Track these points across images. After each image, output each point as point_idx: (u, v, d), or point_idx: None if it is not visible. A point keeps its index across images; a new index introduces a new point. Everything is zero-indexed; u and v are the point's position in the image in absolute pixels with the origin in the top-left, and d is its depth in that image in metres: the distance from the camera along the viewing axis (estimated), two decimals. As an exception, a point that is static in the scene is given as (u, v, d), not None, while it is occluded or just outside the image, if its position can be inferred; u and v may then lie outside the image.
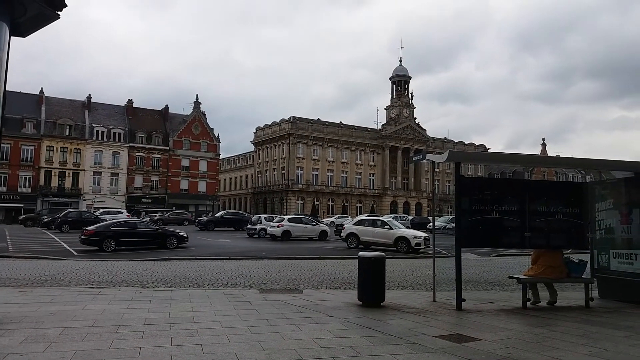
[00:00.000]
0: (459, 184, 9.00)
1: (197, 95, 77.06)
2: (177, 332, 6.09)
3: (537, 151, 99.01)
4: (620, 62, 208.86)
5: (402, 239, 22.76)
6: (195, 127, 74.44)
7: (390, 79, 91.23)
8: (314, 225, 32.06)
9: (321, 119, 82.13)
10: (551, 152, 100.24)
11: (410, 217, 54.80)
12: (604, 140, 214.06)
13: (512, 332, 6.51)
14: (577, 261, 8.96)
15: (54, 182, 64.62)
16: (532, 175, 79.67)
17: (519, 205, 8.90)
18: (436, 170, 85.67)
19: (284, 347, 5.46)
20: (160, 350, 5.25)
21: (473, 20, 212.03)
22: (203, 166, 74.52)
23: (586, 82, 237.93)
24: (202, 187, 74.14)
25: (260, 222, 33.61)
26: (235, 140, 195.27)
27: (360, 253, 8.77)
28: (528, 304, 8.55)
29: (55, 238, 27.04)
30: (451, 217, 39.24)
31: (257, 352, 5.24)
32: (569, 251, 10.76)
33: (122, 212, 47.55)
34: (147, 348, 5.33)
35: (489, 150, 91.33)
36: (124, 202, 68.18)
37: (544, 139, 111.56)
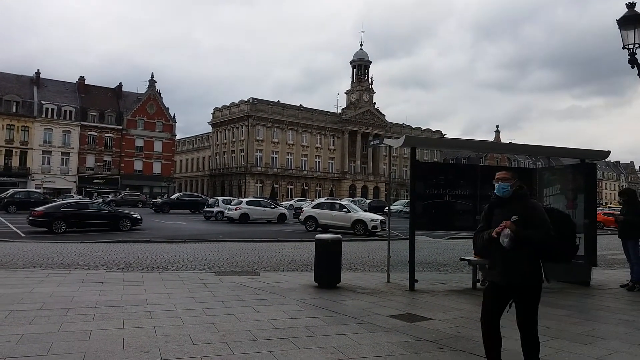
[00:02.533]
0: (414, 169, 9.16)
1: (152, 73, 75.38)
2: (129, 315, 5.98)
3: (491, 138, 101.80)
4: (573, 53, 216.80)
5: (360, 222, 23.07)
6: (150, 106, 72.45)
7: (350, 63, 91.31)
8: (272, 208, 32.00)
9: (282, 102, 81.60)
10: (505, 139, 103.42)
11: (368, 201, 55.51)
12: (555, 129, 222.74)
13: (462, 312, 6.74)
14: (524, 244, 9.30)
15: (0, 161, 61.72)
16: (486, 161, 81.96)
17: (471, 189, 9.16)
18: (394, 155, 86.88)
19: (239, 328, 5.46)
20: (112, 333, 5.16)
21: (436, 8, 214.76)
22: (158, 147, 72.80)
23: (541, 71, 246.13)
24: (157, 168, 72.51)
25: (218, 205, 33.25)
26: (193, 122, 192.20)
27: (317, 236, 8.83)
28: (478, 284, 8.85)
29: (1, 219, 25.91)
30: (407, 201, 39.94)
31: (211, 333, 5.22)
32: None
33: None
34: (98, 331, 5.22)
35: (444, 136, 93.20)
36: (75, 182, 65.98)
37: (497, 126, 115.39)
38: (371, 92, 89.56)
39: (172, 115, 75.22)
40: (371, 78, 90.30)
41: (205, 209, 34.28)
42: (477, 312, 6.86)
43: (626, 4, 9.37)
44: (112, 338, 4.99)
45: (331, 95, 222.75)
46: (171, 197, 45.29)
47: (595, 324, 6.22)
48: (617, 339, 5.40)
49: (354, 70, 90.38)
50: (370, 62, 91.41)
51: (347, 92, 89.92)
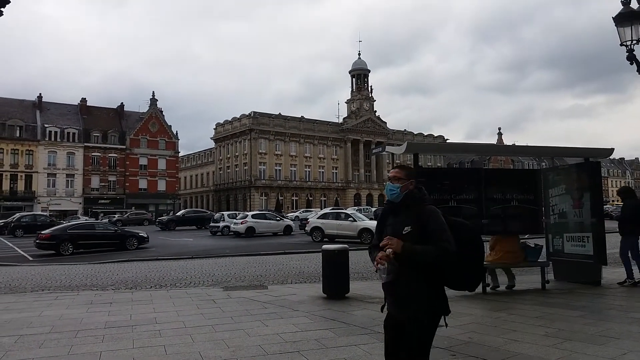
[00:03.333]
0: (417, 175, 9.12)
1: (153, 92, 75.66)
2: (139, 335, 5.96)
3: (494, 141, 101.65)
4: (572, 52, 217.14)
5: (366, 230, 22.97)
6: (152, 124, 72.80)
7: (349, 72, 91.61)
8: (278, 220, 31.99)
9: (282, 114, 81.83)
10: (508, 141, 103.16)
11: (373, 209, 55.35)
12: (558, 128, 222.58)
13: (473, 317, 6.68)
14: (533, 246, 9.26)
15: (6, 185, 62.13)
16: (489, 164, 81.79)
17: (476, 193, 9.12)
18: (397, 162, 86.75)
19: (249, 343, 5.43)
20: (122, 354, 5.14)
21: (433, 13, 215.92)
22: (162, 164, 73.03)
23: (541, 72, 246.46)
24: (161, 185, 72.69)
25: (223, 220, 33.26)
26: (195, 138, 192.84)
27: (324, 246, 8.80)
28: (488, 289, 8.79)
29: (9, 243, 25.99)
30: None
31: (221, 350, 5.19)
32: (525, 236, 11.11)
33: None
34: (108, 352, 5.20)
35: (447, 141, 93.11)
36: (80, 203, 66.20)
37: (499, 129, 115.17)
38: (371, 100, 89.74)
39: (175, 133, 75.54)
40: (371, 87, 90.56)
41: (211, 224, 34.30)
42: (488, 317, 6.82)
43: (621, 1, 9.37)
44: (123, 358, 4.97)
45: (332, 105, 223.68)
46: (177, 214, 45.40)
47: (608, 323, 6.14)
48: (631, 338, 5.33)
49: (353, 79, 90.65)
50: (369, 71, 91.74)
51: (348, 102, 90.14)
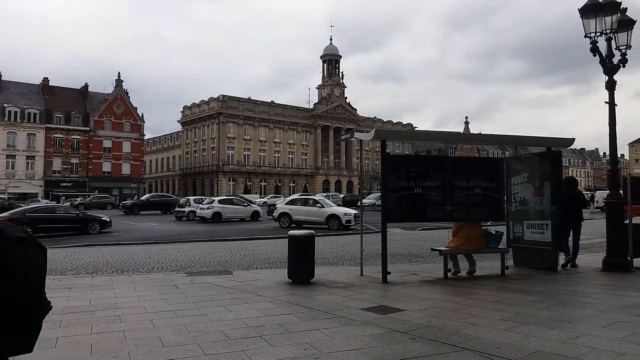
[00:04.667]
0: (384, 162, 9.20)
1: (118, 72, 73.67)
2: (98, 320, 5.84)
3: (462, 129, 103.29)
4: (541, 43, 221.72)
5: (334, 216, 23.14)
6: (117, 106, 71.02)
7: (321, 57, 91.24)
8: (245, 206, 31.81)
9: (252, 98, 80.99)
10: (475, 129, 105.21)
11: (341, 195, 55.71)
12: (524, 118, 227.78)
13: (434, 302, 6.80)
14: (494, 232, 9.48)
15: (-39, 166, 59.70)
16: (456, 152, 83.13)
17: (441, 180, 9.24)
18: (367, 149, 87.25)
19: (211, 328, 5.39)
20: (80, 339, 5.02)
21: (406, 0, 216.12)
22: (127, 147, 71.47)
23: (510, 62, 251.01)
24: (126, 169, 71.20)
25: (189, 205, 32.86)
26: (162, 121, 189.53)
27: (290, 232, 8.79)
28: (449, 274, 8.96)
29: (-37, 227, 25.02)
30: (380, 194, 40.29)
31: (182, 335, 5.14)
32: (488, 223, 11.37)
33: None
34: (65, 337, 5.07)
35: (415, 129, 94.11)
36: (41, 186, 64.29)
37: (467, 117, 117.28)
38: (342, 86, 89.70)
39: (141, 115, 73.94)
40: (342, 72, 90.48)
41: (177, 209, 33.88)
42: (448, 301, 6.97)
43: (587, -7, 9.57)
44: (80, 344, 4.86)
45: (303, 91, 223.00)
46: (141, 198, 44.64)
47: (563, 308, 6.35)
48: (583, 322, 5.53)
49: (325, 65, 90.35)
50: (341, 57, 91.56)
51: (319, 87, 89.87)
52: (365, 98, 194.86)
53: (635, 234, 9.57)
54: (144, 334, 5.22)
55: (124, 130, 71.46)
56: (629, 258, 9.42)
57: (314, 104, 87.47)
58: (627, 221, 9.61)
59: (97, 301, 6.94)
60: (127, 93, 73.46)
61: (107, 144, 70.08)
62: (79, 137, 68.01)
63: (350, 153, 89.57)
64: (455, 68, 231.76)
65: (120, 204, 44.14)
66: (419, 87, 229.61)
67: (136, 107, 73.96)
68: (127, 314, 6.11)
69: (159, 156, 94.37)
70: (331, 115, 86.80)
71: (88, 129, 68.38)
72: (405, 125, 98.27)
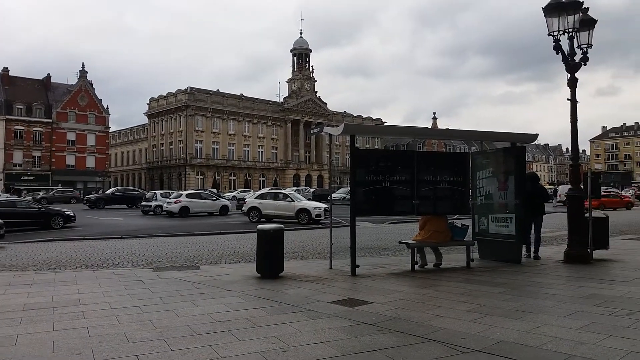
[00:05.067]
0: (353, 156, 9.23)
1: (83, 63, 71.40)
2: (60, 317, 5.69)
3: (430, 125, 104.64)
4: (508, 40, 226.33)
5: (304, 210, 23.13)
6: (81, 97, 69.10)
7: (291, 51, 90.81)
8: (214, 200, 31.48)
9: (221, 91, 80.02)
10: (442, 125, 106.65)
11: (312, 189, 55.73)
12: (490, 114, 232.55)
13: (401, 294, 6.89)
14: (460, 226, 9.65)
15: None
16: (424, 147, 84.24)
17: (409, 175, 9.33)
18: (337, 143, 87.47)
19: (178, 324, 5.32)
20: (41, 337, 4.88)
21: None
22: (91, 140, 69.70)
23: (478, 59, 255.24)
24: (90, 162, 69.45)
25: (156, 199, 32.35)
26: (130, 113, 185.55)
27: (259, 226, 8.74)
28: (416, 267, 9.09)
29: None
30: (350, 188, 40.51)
31: (148, 331, 5.06)
32: (455, 217, 11.56)
33: None
34: (26, 335, 4.93)
35: (384, 124, 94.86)
36: (1, 180, 62.07)
37: (434, 113, 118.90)
38: (312, 80, 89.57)
39: (106, 107, 72.18)
40: (312, 66, 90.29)
41: (143, 203, 33.30)
42: (415, 293, 7.07)
43: (550, -8, 9.79)
44: (41, 342, 4.73)
45: (274, 84, 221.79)
46: (106, 192, 43.68)
47: (526, 299, 6.52)
48: (545, 313, 5.69)
49: (295, 58, 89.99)
50: (311, 51, 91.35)
51: (289, 81, 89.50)
52: (336, 92, 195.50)
53: (594, 227, 9.91)
54: (109, 330, 5.12)
55: (88, 123, 69.62)
56: (589, 250, 9.75)
57: (284, 98, 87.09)
58: (587, 214, 9.93)
59: (59, 297, 6.76)
60: (91, 84, 71.53)
61: (71, 136, 68.16)
62: (41, 129, 65.92)
63: (320, 147, 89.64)
64: (424, 64, 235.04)
65: (85, 198, 43.04)
66: (389, 83, 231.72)
67: (101, 99, 72.20)
68: (91, 310, 5.98)
69: (124, 149, 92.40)
70: (301, 110, 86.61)
71: (51, 120, 66.33)
72: (375, 120, 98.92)
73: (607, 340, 4.56)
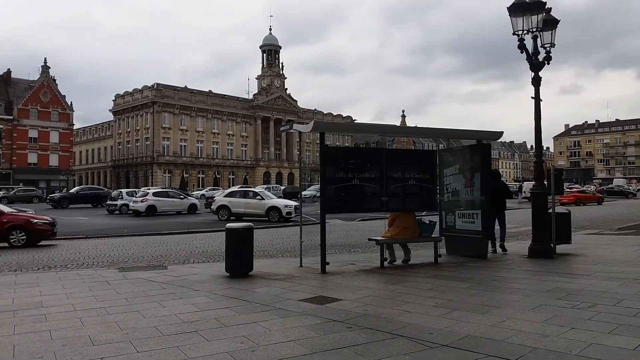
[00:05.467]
0: (323, 153, 9.23)
1: (45, 58, 69.19)
2: (21, 319, 5.51)
3: (399, 122, 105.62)
4: (475, 39, 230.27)
5: (274, 208, 23.06)
6: (44, 94, 66.99)
7: (260, 47, 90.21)
8: (182, 198, 31.04)
9: (189, 87, 78.88)
10: (411, 122, 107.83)
11: (282, 187, 55.57)
12: (458, 112, 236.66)
13: (370, 291, 6.93)
14: (427, 222, 9.78)
15: None
16: (393, 145, 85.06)
17: (378, 172, 9.39)
18: (308, 140, 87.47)
19: (144, 325, 5.22)
20: (0, 341, 4.71)
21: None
22: (54, 137, 67.64)
23: (445, 57, 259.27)
24: (53, 160, 67.42)
25: (122, 197, 31.71)
26: (95, 110, 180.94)
27: (228, 224, 8.66)
28: (385, 263, 9.18)
29: None
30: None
31: (114, 333, 4.94)
32: (423, 213, 11.72)
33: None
34: (-17, 340, 4.74)
35: (354, 121, 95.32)
36: (-42, 179, 59.68)
37: (403, 111, 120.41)
38: (282, 77, 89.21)
39: (69, 103, 70.17)
40: (282, 63, 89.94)
41: (109, 202, 32.62)
42: (384, 290, 7.12)
43: (516, -8, 9.99)
44: (1, 346, 4.56)
45: (243, 81, 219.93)
46: (70, 191, 42.52)
47: (492, 293, 6.66)
48: (510, 307, 5.82)
49: (264, 55, 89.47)
50: (281, 47, 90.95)
51: (258, 78, 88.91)
52: (306, 90, 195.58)
53: (557, 223, 10.19)
54: (72, 332, 4.98)
55: (51, 120, 67.56)
56: (552, 245, 10.02)
57: (254, 95, 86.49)
58: (550, 210, 10.21)
59: (20, 300, 6.54)
60: (54, 80, 69.40)
61: (33, 133, 66.01)
62: (1, 126, 63.65)
63: (291, 145, 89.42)
64: (393, 62, 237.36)
65: (48, 197, 41.84)
66: (359, 80, 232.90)
67: (65, 95, 70.13)
68: (54, 313, 5.80)
69: (89, 147, 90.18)
70: (271, 107, 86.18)
71: (11, 117, 64.09)
72: (345, 117, 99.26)
73: (570, 332, 4.69)
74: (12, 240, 13.50)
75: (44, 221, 14.35)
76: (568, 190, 41.49)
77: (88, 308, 6.05)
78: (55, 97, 68.32)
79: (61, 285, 7.67)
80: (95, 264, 10.45)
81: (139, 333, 4.91)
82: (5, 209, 14.85)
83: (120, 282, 7.82)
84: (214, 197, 30.04)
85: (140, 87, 77.02)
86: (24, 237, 13.68)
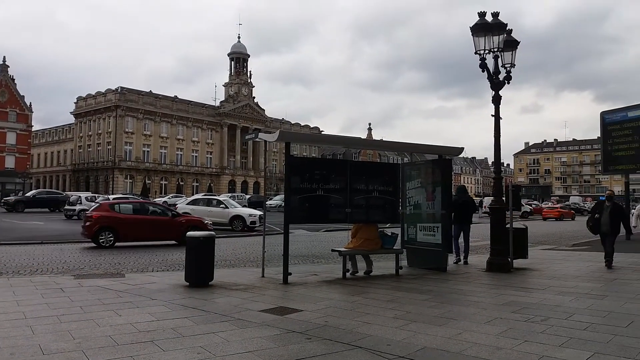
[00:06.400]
0: (288, 163, 9.24)
1: (4, 57, 66.67)
2: (-34, 328, 5.27)
3: (365, 135, 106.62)
4: (441, 57, 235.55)
5: (238, 217, 22.85)
6: (1, 93, 64.64)
7: (228, 55, 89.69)
8: (143, 204, 30.31)
9: (155, 92, 77.54)
10: (377, 136, 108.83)
11: (247, 196, 55.06)
12: (423, 127, 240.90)
13: (331, 302, 6.95)
14: (389, 234, 9.90)
15: None
16: (360, 157, 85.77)
17: (342, 183, 9.46)
18: (275, 150, 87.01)
19: (98, 334, 5.08)
20: (-58, 351, 4.49)
21: (317, 6, 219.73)
22: (11, 139, 65.24)
23: (412, 73, 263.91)
24: (9, 162, 64.94)
25: (80, 203, 30.74)
26: (56, 112, 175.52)
27: (189, 233, 8.53)
28: (348, 274, 9.22)
29: None
30: (285, 195, 40.41)
31: (66, 342, 4.79)
32: (387, 225, 11.85)
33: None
34: None
35: (321, 132, 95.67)
36: None
37: (370, 124, 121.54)
38: (250, 85, 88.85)
39: (29, 104, 67.90)
40: (250, 72, 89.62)
41: (67, 207, 31.60)
42: (345, 301, 7.15)
43: (478, 12, 10.34)
44: (-58, 356, 4.35)
45: (210, 88, 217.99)
46: (26, 195, 40.98)
47: (450, 306, 6.78)
48: (467, 319, 5.94)
49: (232, 63, 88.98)
50: (249, 56, 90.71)
51: (226, 85, 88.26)
52: (275, 99, 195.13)
53: (515, 238, 10.48)
54: (22, 341, 4.80)
55: (8, 120, 65.15)
56: (509, 259, 10.29)
57: (221, 102, 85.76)
58: (508, 225, 10.49)
59: (-34, 307, 6.26)
60: (13, 79, 67.09)
61: (-12, 134, 63.55)
62: (-46, 125, 61.03)
63: (257, 153, 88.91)
64: (361, 76, 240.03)
65: (2, 201, 40.22)
66: (327, 92, 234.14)
67: (24, 96, 67.84)
68: (3, 320, 5.59)
69: (49, 149, 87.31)
70: (238, 114, 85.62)
71: (-35, 116, 61.56)
72: (312, 128, 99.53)
73: (523, 345, 4.82)
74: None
75: None
76: (554, 206, 50.77)
77: (40, 316, 5.85)
78: (13, 97, 66.02)
79: (12, 292, 7.39)
80: (49, 270, 10.10)
81: (93, 342, 4.78)
82: None
83: (75, 290, 7.59)
84: (177, 204, 29.51)
85: (103, 90, 75.25)
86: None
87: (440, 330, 5.38)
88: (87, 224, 14.91)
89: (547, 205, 53.84)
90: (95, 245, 14.70)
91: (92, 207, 17.00)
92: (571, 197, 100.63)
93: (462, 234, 11.46)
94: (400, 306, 6.67)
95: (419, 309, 6.53)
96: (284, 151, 9.28)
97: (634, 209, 22.01)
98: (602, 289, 8.27)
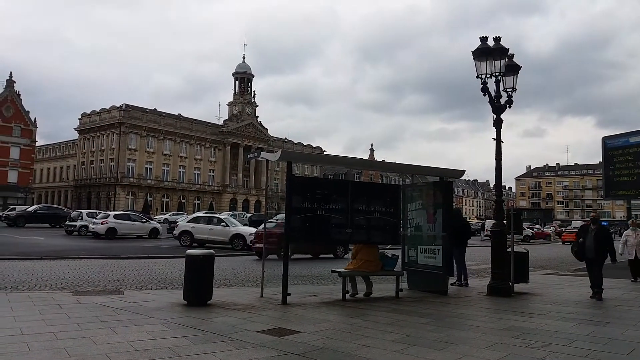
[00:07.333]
0: (290, 183, 9.26)
1: (10, 72, 67.44)
2: (-39, 344, 5.23)
3: (367, 156, 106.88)
4: (443, 80, 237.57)
5: (238, 236, 22.73)
6: (6, 108, 65.12)
7: (233, 74, 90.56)
8: (144, 222, 30.33)
9: (159, 109, 78.14)
10: (379, 157, 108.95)
11: (249, 215, 54.97)
12: (425, 149, 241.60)
13: (330, 323, 6.89)
14: (390, 256, 9.86)
15: None
16: (361, 178, 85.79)
17: (343, 204, 9.45)
18: (277, 169, 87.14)
19: (95, 352, 5.03)
20: (-64, 366, 4.46)
21: (321, 28, 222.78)
22: (15, 153, 65.52)
23: (414, 95, 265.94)
24: (12, 177, 65.10)
25: (81, 218, 30.77)
26: (61, 127, 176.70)
27: (188, 251, 8.51)
28: (347, 295, 9.15)
29: None
30: (286, 215, 40.32)
31: (61, 359, 4.75)
32: (388, 247, 11.82)
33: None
34: None
35: (324, 152, 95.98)
36: None
37: (372, 145, 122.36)
38: (254, 105, 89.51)
39: (33, 120, 68.39)
40: (254, 91, 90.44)
41: (68, 222, 31.58)
42: (344, 323, 7.09)
43: (480, 37, 10.46)
44: (-64, 372, 4.32)
45: (214, 106, 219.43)
46: (28, 209, 41.00)
47: (450, 330, 6.71)
48: (467, 344, 5.87)
49: (237, 82, 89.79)
50: (253, 76, 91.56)
51: (229, 104, 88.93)
52: (278, 119, 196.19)
53: (516, 262, 10.42)
54: (17, 357, 4.77)
55: (12, 135, 65.51)
56: (510, 283, 10.21)
57: (224, 121, 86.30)
58: (509, 249, 10.44)
59: (-38, 322, 6.22)
60: (19, 95, 67.73)
61: (-8, 148, 63.81)
62: (-42, 139, 61.37)
63: (259, 172, 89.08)
64: (364, 97, 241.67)
65: (4, 215, 40.23)
66: (330, 113, 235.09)
67: (29, 111, 68.37)
68: (-1, 337, 5.54)
69: (52, 165, 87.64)
70: (241, 133, 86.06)
71: (-30, 130, 61.94)
72: (315, 148, 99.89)
73: (522, 371, 4.75)
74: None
75: None
76: (572, 230, 46.03)
77: (36, 332, 5.81)
78: (18, 112, 66.51)
79: (10, 307, 7.34)
80: (48, 286, 10.05)
81: (88, 360, 4.73)
82: None
83: (72, 307, 7.54)
84: (177, 222, 29.49)
85: (108, 107, 75.86)
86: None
87: (439, 354, 5.32)
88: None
89: (568, 230, 53.14)
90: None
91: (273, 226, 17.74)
92: (573, 221, 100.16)
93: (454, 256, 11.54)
94: (400, 329, 6.60)
95: (419, 332, 6.46)
96: (285, 170, 9.29)
97: (619, 234, 21.95)
98: (604, 315, 8.19)
